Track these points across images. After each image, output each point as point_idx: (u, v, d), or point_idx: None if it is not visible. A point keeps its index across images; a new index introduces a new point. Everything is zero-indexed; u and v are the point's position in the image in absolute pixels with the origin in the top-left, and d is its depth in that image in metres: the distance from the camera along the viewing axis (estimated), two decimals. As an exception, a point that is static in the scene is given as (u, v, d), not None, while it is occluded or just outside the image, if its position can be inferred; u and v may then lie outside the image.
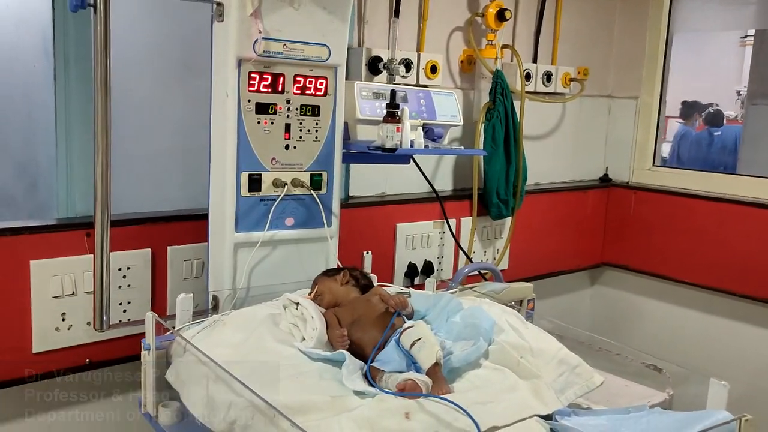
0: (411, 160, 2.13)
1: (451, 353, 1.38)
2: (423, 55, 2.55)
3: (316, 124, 1.77)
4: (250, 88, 1.66)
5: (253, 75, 1.66)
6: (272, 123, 1.71)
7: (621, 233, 3.34)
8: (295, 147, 1.75)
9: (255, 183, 1.71)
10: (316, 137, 1.78)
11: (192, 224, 1.97)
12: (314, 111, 1.76)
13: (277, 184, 1.72)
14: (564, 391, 1.32)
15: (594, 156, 3.39)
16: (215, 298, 1.72)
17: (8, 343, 1.77)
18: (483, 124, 2.71)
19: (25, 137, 1.82)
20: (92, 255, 1.85)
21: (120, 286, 1.92)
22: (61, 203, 1.95)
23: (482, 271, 2.57)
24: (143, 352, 1.50)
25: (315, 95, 1.76)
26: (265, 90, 1.69)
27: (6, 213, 1.92)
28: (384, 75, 2.39)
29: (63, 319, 1.84)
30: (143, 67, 2.12)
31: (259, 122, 1.69)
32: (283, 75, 1.70)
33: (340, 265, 1.76)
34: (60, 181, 1.95)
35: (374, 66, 2.39)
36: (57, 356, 1.85)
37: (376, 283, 1.72)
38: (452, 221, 2.71)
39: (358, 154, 1.86)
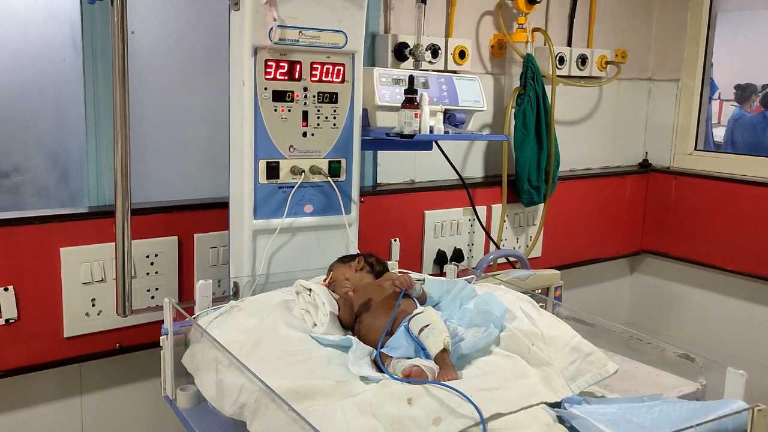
0: (434, 146, 2.11)
1: (462, 340, 1.37)
2: (451, 41, 2.52)
3: (334, 111, 1.77)
4: (267, 76, 1.67)
5: (269, 63, 1.67)
6: (289, 111, 1.72)
7: (661, 220, 3.26)
8: (312, 134, 1.76)
9: (273, 170, 1.72)
10: (334, 124, 1.78)
11: (218, 212, 2.00)
12: (332, 98, 1.76)
13: (295, 171, 1.73)
14: (575, 379, 1.30)
15: (633, 141, 3.31)
16: (236, 284, 1.74)
17: (41, 328, 1.83)
18: (513, 110, 2.67)
19: (57, 128, 1.87)
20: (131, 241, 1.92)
21: (148, 273, 1.97)
22: (92, 192, 2.00)
23: (511, 259, 2.55)
24: (162, 337, 1.53)
25: (333, 82, 1.76)
26: (282, 78, 1.69)
27: (38, 202, 1.98)
28: (410, 61, 2.38)
29: (93, 305, 1.89)
30: (171, 59, 2.15)
31: (276, 110, 1.70)
32: (299, 62, 1.71)
33: (359, 252, 1.76)
34: (90, 171, 1.99)
35: (400, 52, 2.38)
36: (88, 341, 1.91)
37: (394, 271, 1.72)
38: (482, 208, 2.69)
39: (377, 141, 1.85)
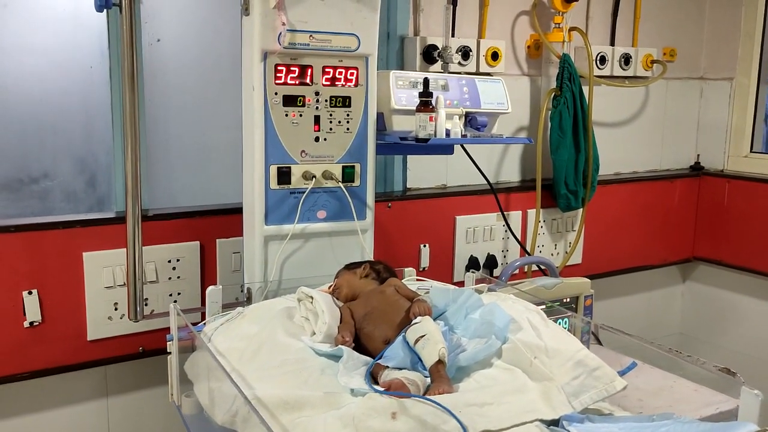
0: (455, 150, 2.06)
1: (465, 351, 1.33)
2: (484, 42, 2.47)
3: (347, 115, 1.75)
4: (277, 81, 1.66)
5: (279, 68, 1.66)
6: (301, 115, 1.70)
7: (714, 226, 3.11)
8: (325, 139, 1.74)
9: (284, 176, 1.70)
10: (348, 129, 1.75)
11: (240, 217, 1.99)
12: (345, 102, 1.74)
13: (307, 176, 1.71)
14: (578, 395, 1.23)
15: (684, 143, 3.17)
16: (249, 290, 1.74)
17: (64, 330, 1.87)
18: (549, 112, 2.60)
19: (85, 134, 1.91)
20: (143, 247, 1.94)
21: (170, 278, 1.98)
22: (119, 197, 2.03)
23: (542, 266, 2.47)
24: (168, 343, 1.53)
25: (345, 86, 1.74)
26: (293, 82, 1.68)
27: (67, 207, 2.03)
28: (440, 64, 2.34)
29: (115, 309, 1.92)
30: (197, 65, 2.17)
31: (287, 115, 1.68)
32: (311, 66, 1.69)
33: (371, 259, 1.72)
34: (117, 176, 2.03)
35: (429, 55, 2.34)
36: (111, 344, 1.94)
37: (406, 280, 1.68)
38: (517, 213, 2.62)
39: (393, 145, 1.82)
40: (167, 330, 1.94)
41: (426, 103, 1.73)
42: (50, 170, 2.00)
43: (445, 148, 1.99)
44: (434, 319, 1.47)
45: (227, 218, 2.04)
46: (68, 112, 1.98)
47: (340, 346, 1.33)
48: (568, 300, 2.06)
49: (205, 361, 1.40)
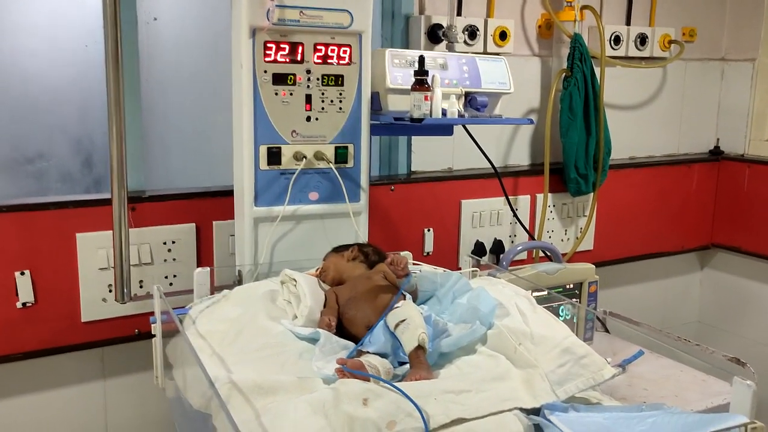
0: (461, 133, 2.00)
1: (449, 336, 1.28)
2: (492, 21, 2.40)
3: (340, 94, 1.70)
4: (266, 59, 1.62)
5: (269, 45, 1.62)
6: (291, 94, 1.66)
7: (733, 212, 3.01)
8: (317, 119, 1.69)
9: (274, 156, 1.66)
10: (340, 108, 1.71)
11: (237, 199, 1.97)
12: (337, 81, 1.69)
13: (298, 157, 1.67)
14: (563, 384, 1.18)
15: (703, 126, 3.07)
16: (240, 272, 1.71)
17: (58, 312, 1.86)
18: (560, 93, 2.52)
19: (80, 114, 1.89)
20: (137, 228, 1.92)
21: (165, 260, 1.96)
22: (115, 179, 2.02)
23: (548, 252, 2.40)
24: (152, 325, 1.51)
25: (338, 64, 1.69)
26: (283, 60, 1.63)
27: (63, 188, 2.02)
28: (445, 44, 2.28)
29: (110, 291, 1.90)
30: (195, 44, 2.14)
31: (276, 93, 1.64)
32: (301, 44, 1.64)
33: (362, 242, 1.67)
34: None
35: (434, 34, 2.28)
36: (106, 326, 1.92)
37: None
38: (526, 198, 2.56)
39: (388, 126, 1.77)
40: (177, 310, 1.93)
41: (421, 82, 1.67)
42: (46, 150, 1.99)
43: (443, 129, 1.94)
44: (422, 304, 1.43)
45: (224, 200, 2.00)
46: (63, 91, 1.96)
47: (317, 329, 1.29)
48: (572, 286, 2.00)
49: (181, 345, 1.38)
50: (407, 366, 1.20)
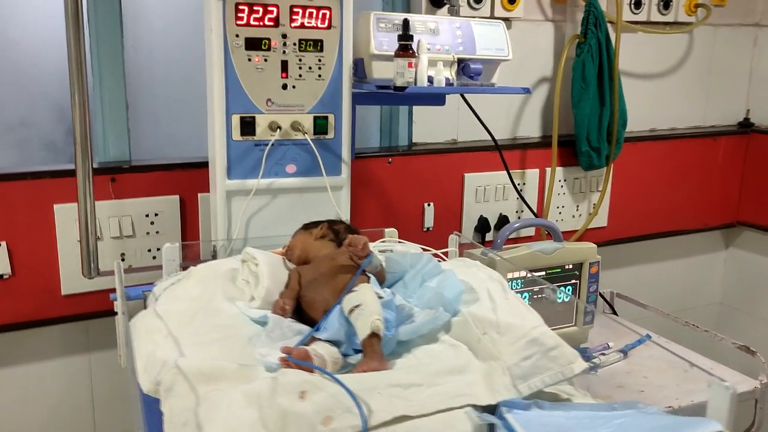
0: (454, 101, 1.89)
1: (412, 323, 1.19)
2: (500, -16, 2.26)
3: (319, 60, 1.60)
4: (239, 22, 1.52)
5: (240, 7, 1.52)
6: (266, 60, 1.56)
7: (762, 188, 2.84)
8: (294, 87, 1.60)
9: (248, 126, 1.58)
10: (320, 75, 1.61)
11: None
12: (316, 46, 1.59)
13: (273, 127, 1.58)
14: (528, 378, 1.08)
15: (732, 97, 2.89)
16: (214, 248, 1.64)
17: (37, 284, 1.82)
18: (572, 61, 2.38)
19: (62, 82, 1.82)
20: (118, 200, 1.87)
21: (148, 233, 1.90)
22: (100, 148, 1.96)
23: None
24: (114, 303, 1.45)
25: (317, 28, 1.59)
26: (256, 23, 1.54)
27: (47, 157, 1.96)
28: (447, 8, 2.15)
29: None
30: (184, 8, 2.05)
31: (250, 59, 1.55)
32: (276, 6, 1.54)
33: (336, 219, 1.58)
34: (97, 127, 1.95)
35: (436, -3, 2.16)
36: (87, 299, 1.88)
37: (378, 246, 1.54)
38: (534, 171, 2.44)
39: (371, 95, 1.67)
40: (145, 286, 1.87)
41: (405, 48, 1.56)
42: (27, 118, 1.93)
43: (433, 98, 1.83)
44: (390, 286, 1.34)
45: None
46: (45, 57, 1.89)
47: (266, 313, 1.21)
48: (571, 267, 1.89)
49: (142, 324, 1.31)
50: (341, 359, 1.11)
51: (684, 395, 1.74)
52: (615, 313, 2.26)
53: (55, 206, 1.80)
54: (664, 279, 2.89)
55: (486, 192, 2.35)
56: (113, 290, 1.85)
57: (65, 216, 1.80)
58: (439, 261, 1.51)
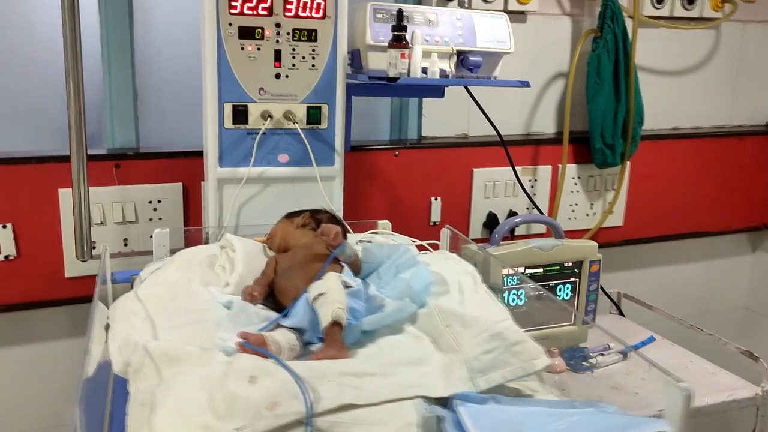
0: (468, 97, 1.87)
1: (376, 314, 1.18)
2: (513, -24, 2.23)
3: (313, 50, 1.60)
4: (232, 11, 1.54)
5: (234, -4, 1.53)
6: (259, 49, 1.57)
7: (792, 190, 2.74)
8: (287, 76, 1.60)
9: (240, 115, 1.59)
10: (313, 65, 1.61)
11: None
12: (310, 36, 1.59)
13: (264, 116, 1.59)
14: (487, 372, 1.06)
15: (761, 96, 2.80)
16: (206, 234, 1.66)
17: (41, 266, 1.86)
18: (589, 55, 2.33)
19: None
20: (121, 186, 1.90)
21: (151, 219, 1.94)
22: (107, 136, 2.00)
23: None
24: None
25: (311, 18, 1.59)
26: (250, 12, 1.55)
27: (57, 143, 2.00)
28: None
29: (93, 248, 1.88)
30: (193, 1, 2.07)
31: (242, 48, 1.56)
32: (270, -5, 1.55)
33: (321, 209, 1.58)
34: (105, 113, 1.99)
35: (446, -11, 2.14)
36: (90, 282, 1.92)
37: (358, 236, 1.54)
38: (546, 168, 2.40)
39: (366, 86, 1.66)
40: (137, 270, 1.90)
41: (399, 38, 1.56)
42: (38, 105, 1.97)
43: (430, 90, 1.81)
44: (366, 277, 1.34)
45: (214, 160, 1.96)
46: (56, 44, 1.93)
47: (231, 299, 1.22)
48: (570, 264, 1.85)
49: (121, 307, 1.33)
50: (297, 346, 1.11)
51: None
52: (622, 313, 2.22)
53: (59, 191, 1.84)
54: (684, 281, 2.82)
55: (495, 187, 2.32)
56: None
57: (69, 200, 1.84)
58: (425, 252, 1.50)
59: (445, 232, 1.67)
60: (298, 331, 1.15)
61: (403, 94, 1.86)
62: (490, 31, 1.75)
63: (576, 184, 2.45)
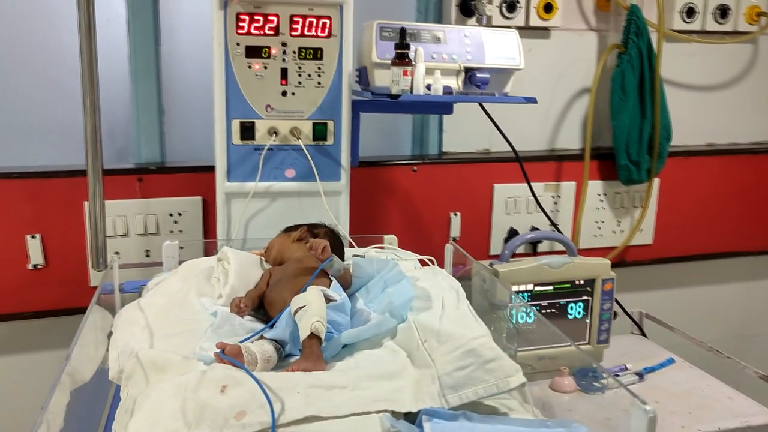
0: (452, 109, 1.87)
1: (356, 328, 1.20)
2: (536, -8, 2.23)
3: (319, 68, 1.64)
4: (240, 31, 1.58)
5: (242, 17, 1.58)
6: (266, 68, 1.61)
7: (834, 210, 2.63)
8: (293, 93, 1.64)
9: (248, 131, 1.63)
10: (319, 83, 1.64)
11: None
12: (316, 54, 1.63)
13: (271, 132, 1.63)
14: (459, 389, 1.06)
15: (804, 111, 2.70)
16: (219, 246, 1.70)
17: (67, 275, 1.94)
18: (613, 70, 2.31)
19: (104, 87, 1.96)
20: (144, 199, 1.97)
21: (171, 231, 2.00)
22: (133, 150, 2.08)
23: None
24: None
25: (317, 37, 1.62)
26: (257, 32, 1.59)
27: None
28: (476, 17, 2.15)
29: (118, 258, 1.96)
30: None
31: (250, 66, 1.61)
32: (276, 15, 1.59)
33: (319, 223, 1.60)
34: (132, 130, 2.07)
35: (466, 7, 2.16)
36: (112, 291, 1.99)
37: (353, 251, 1.55)
38: (570, 184, 2.37)
39: (372, 102, 1.68)
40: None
41: (401, 56, 1.58)
42: (69, 120, 2.06)
43: (436, 107, 1.82)
44: (354, 293, 1.36)
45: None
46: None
47: (217, 309, 1.25)
48: (582, 283, 1.83)
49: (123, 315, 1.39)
50: (273, 357, 1.13)
51: (692, 424, 1.65)
52: (644, 334, 2.17)
53: (84, 203, 1.92)
54: (718, 303, 2.73)
55: (517, 203, 2.31)
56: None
57: (94, 212, 1.92)
58: (422, 267, 1.51)
59: (449, 248, 1.67)
60: (280, 342, 1.17)
61: (408, 111, 1.87)
62: (499, 48, 1.76)
63: (602, 200, 2.41)
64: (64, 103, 2.07)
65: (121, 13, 2.03)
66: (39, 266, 1.92)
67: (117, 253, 1.94)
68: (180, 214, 2.00)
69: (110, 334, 1.40)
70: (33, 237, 1.90)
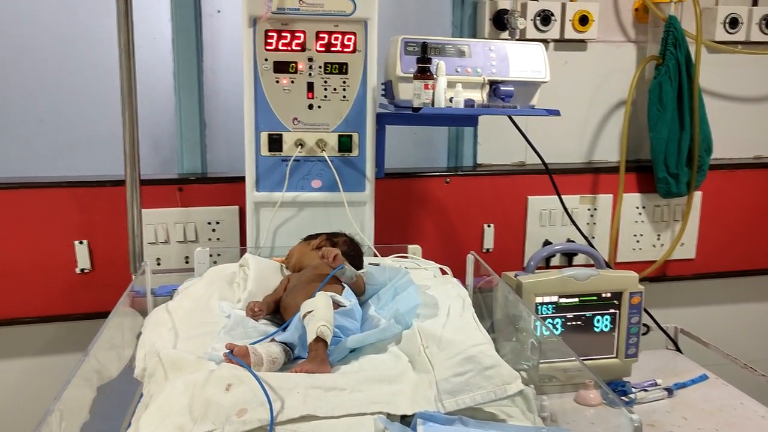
0: (477, 121, 1.89)
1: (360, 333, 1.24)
2: (571, 5, 2.23)
3: (344, 82, 1.69)
4: (268, 47, 1.65)
5: (270, 33, 1.65)
6: (293, 82, 1.68)
7: None
8: (319, 107, 1.70)
9: (275, 143, 1.70)
10: (344, 96, 1.70)
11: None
12: (341, 69, 1.68)
13: (298, 144, 1.69)
14: (458, 394, 1.08)
15: None
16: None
17: (111, 280, 2.05)
18: (650, 82, 2.29)
19: (149, 102, 2.07)
20: (184, 208, 2.07)
21: (209, 239, 2.08)
22: (178, 162, 2.18)
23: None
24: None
25: (343, 52, 1.68)
26: (284, 48, 1.66)
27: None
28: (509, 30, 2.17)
29: (158, 264, 2.06)
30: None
31: (277, 81, 1.67)
32: (303, 32, 1.65)
33: (339, 232, 1.64)
34: (176, 143, 2.17)
35: (499, 20, 2.18)
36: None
37: (370, 260, 1.59)
38: (607, 197, 2.36)
39: (396, 115, 1.72)
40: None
41: (423, 70, 1.61)
42: (118, 134, 2.17)
43: (460, 119, 1.85)
44: (367, 300, 1.40)
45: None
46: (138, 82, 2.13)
47: (231, 313, 1.31)
48: (609, 295, 1.82)
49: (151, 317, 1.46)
50: (280, 359, 1.18)
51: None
52: (678, 349, 2.13)
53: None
54: (761, 320, 2.65)
55: (552, 216, 2.31)
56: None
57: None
58: (441, 276, 1.54)
59: (470, 258, 1.69)
60: (290, 345, 1.22)
61: (431, 123, 1.90)
62: (524, 61, 1.77)
63: (641, 213, 2.38)
64: (110, 118, 2.19)
65: (166, 32, 2.13)
66: (86, 270, 2.03)
67: (158, 259, 2.03)
68: (218, 223, 2.08)
69: (139, 335, 1.48)
70: (80, 243, 2.01)
